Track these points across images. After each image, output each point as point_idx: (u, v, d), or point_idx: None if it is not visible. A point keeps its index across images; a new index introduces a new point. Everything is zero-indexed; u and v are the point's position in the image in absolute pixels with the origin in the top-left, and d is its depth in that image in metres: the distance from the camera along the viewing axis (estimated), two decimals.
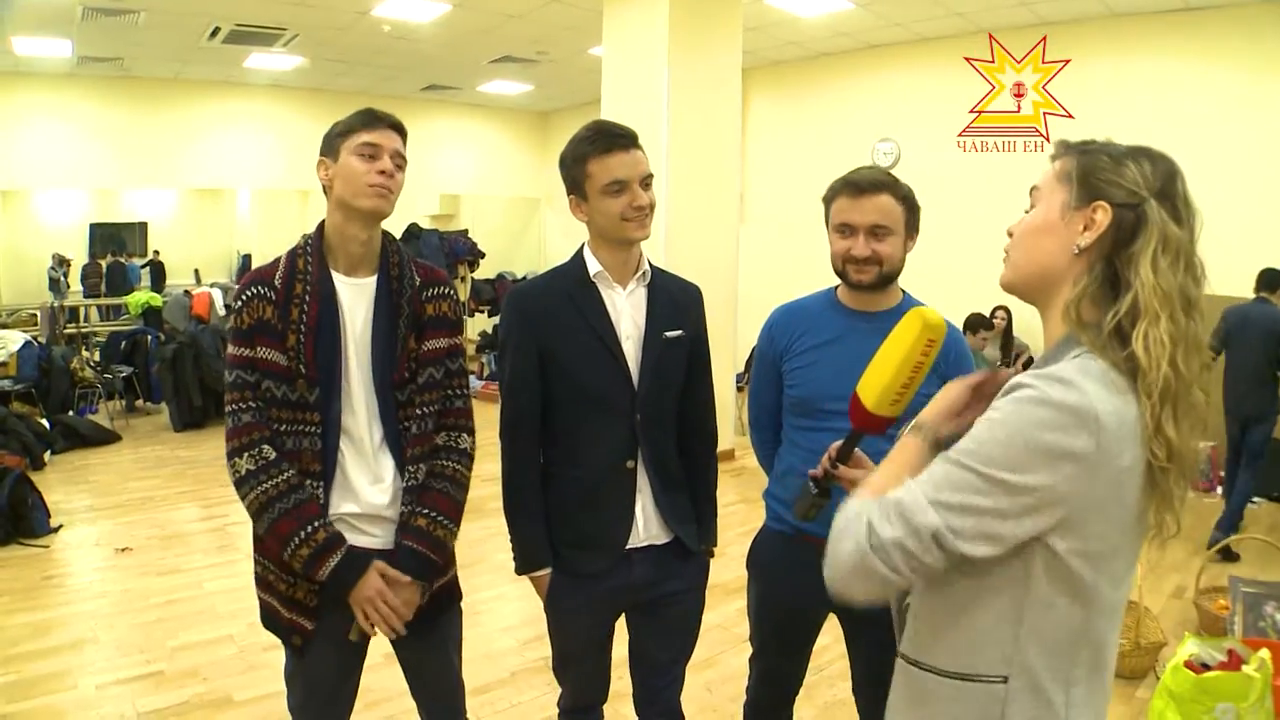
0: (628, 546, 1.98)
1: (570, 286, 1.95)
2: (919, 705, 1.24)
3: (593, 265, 1.95)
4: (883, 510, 1.11)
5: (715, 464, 2.20)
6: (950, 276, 6.22)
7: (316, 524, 1.79)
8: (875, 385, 1.46)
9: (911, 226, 2.03)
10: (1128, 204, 1.14)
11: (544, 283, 2.03)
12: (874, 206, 1.97)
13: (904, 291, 2.12)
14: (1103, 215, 1.14)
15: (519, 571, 2.02)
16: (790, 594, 2.14)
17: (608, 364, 1.92)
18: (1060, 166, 1.22)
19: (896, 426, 1.48)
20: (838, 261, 2.04)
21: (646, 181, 1.90)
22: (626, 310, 1.96)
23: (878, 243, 1.98)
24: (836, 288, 2.14)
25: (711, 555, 2.18)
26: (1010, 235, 1.27)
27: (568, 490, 1.99)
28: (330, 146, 1.86)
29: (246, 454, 1.80)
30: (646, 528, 1.99)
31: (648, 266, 2.00)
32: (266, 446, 1.80)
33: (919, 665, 1.23)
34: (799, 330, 2.14)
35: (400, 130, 1.90)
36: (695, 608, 2.13)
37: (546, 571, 1.99)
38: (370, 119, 1.85)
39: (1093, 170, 1.17)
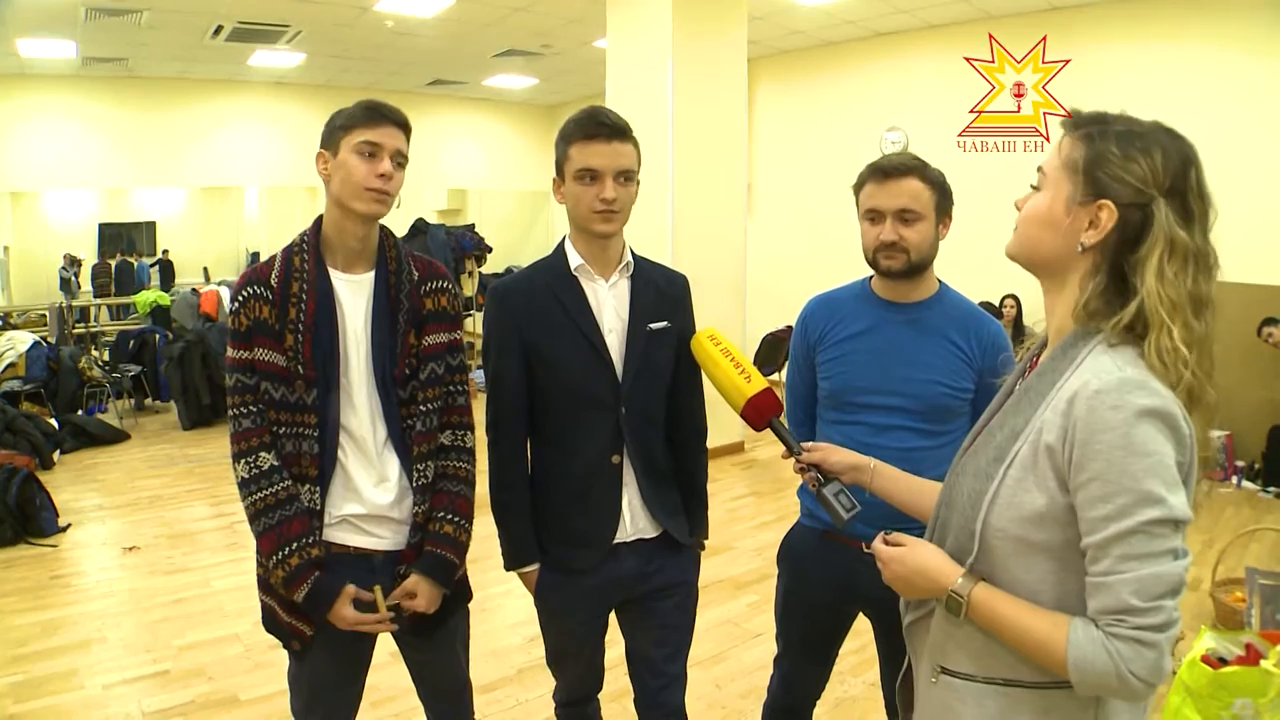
0: (615, 541, 1.95)
1: (552, 280, 1.92)
2: None
3: (574, 258, 1.92)
4: (1130, 617, 1.04)
5: (705, 457, 2.16)
6: (962, 264, 6.18)
7: (294, 546, 1.77)
8: (730, 390, 1.73)
9: (943, 211, 1.96)
10: (1134, 203, 1.09)
11: (525, 277, 1.98)
12: (901, 190, 1.92)
13: (941, 281, 2.06)
14: (1108, 216, 1.11)
15: (507, 568, 2.01)
16: (819, 590, 2.11)
17: (591, 358, 1.89)
18: (1067, 152, 1.17)
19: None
20: (868, 250, 1.99)
21: (624, 176, 1.85)
22: (609, 302, 1.93)
23: (905, 228, 1.92)
24: (870, 278, 2.08)
25: (702, 548, 2.14)
26: (1017, 209, 1.23)
27: (554, 486, 1.97)
28: (331, 139, 1.80)
29: (244, 460, 1.77)
30: (634, 522, 1.97)
31: (630, 258, 1.96)
32: (264, 454, 1.77)
33: (993, 681, 1.19)
34: (832, 321, 2.09)
35: (404, 126, 1.83)
36: (687, 601, 2.09)
37: (535, 567, 1.98)
38: (373, 115, 1.78)
39: (1100, 164, 1.12)
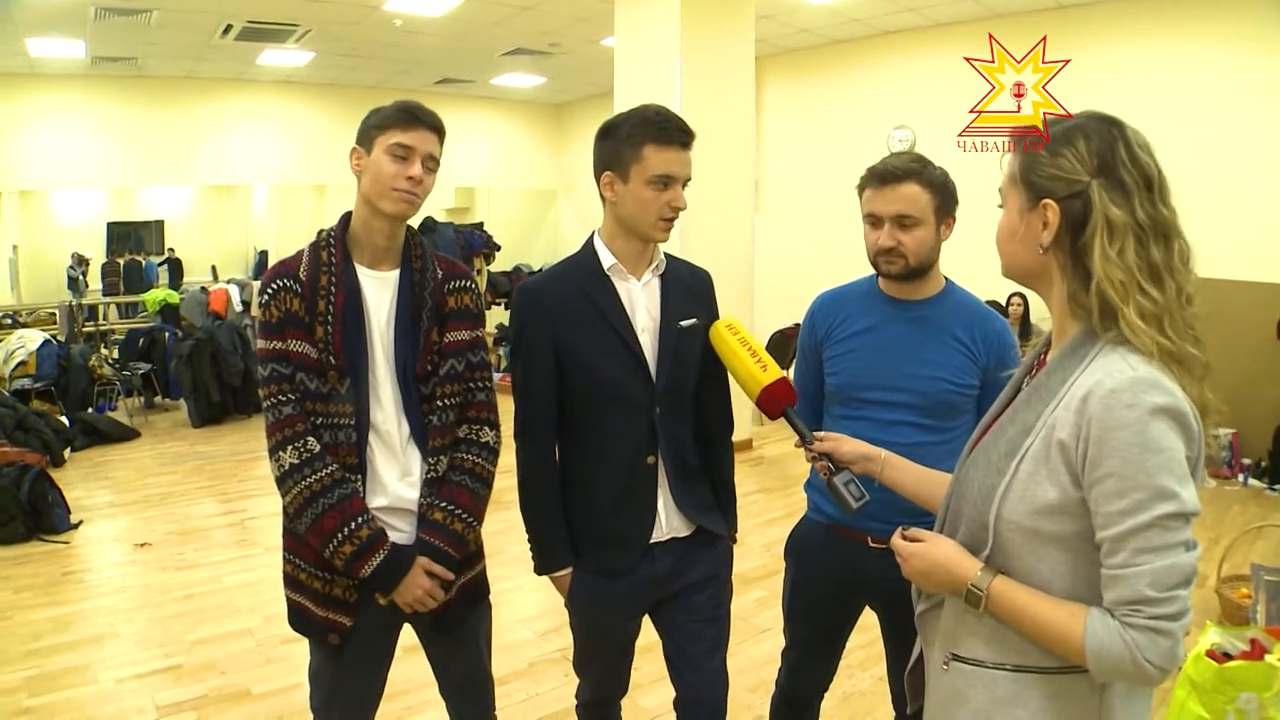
0: (650, 541, 1.94)
1: (582, 279, 1.90)
2: (1008, 709, 1.22)
3: (606, 257, 1.90)
4: (1146, 607, 1.07)
5: (731, 451, 2.16)
6: (968, 263, 6.19)
7: (360, 520, 1.77)
8: (746, 379, 1.77)
9: (944, 213, 1.96)
10: (1071, 194, 1.15)
11: (554, 276, 1.97)
12: (897, 196, 1.93)
13: (948, 279, 2.07)
14: (1052, 213, 1.17)
15: (539, 572, 1.99)
16: (826, 583, 2.13)
17: (624, 357, 1.88)
18: (1009, 167, 1.25)
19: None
20: (870, 254, 2.01)
21: (685, 185, 1.86)
22: (641, 301, 1.92)
23: (903, 233, 1.92)
24: (878, 275, 2.10)
25: (734, 541, 2.13)
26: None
27: (589, 488, 1.95)
28: (366, 136, 1.82)
29: (290, 447, 1.77)
30: (669, 521, 1.96)
31: (662, 257, 1.96)
32: (310, 439, 1.78)
33: (1003, 667, 1.22)
34: (839, 318, 2.10)
35: (439, 130, 1.85)
36: (721, 594, 2.07)
37: (567, 571, 1.96)
38: (409, 118, 1.79)
39: (1032, 168, 1.19)
